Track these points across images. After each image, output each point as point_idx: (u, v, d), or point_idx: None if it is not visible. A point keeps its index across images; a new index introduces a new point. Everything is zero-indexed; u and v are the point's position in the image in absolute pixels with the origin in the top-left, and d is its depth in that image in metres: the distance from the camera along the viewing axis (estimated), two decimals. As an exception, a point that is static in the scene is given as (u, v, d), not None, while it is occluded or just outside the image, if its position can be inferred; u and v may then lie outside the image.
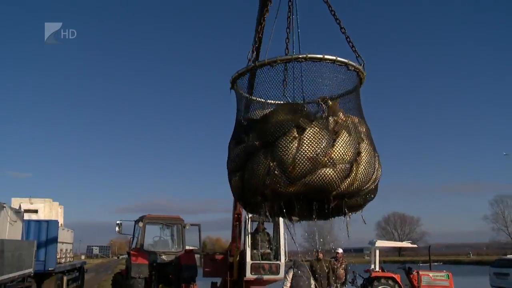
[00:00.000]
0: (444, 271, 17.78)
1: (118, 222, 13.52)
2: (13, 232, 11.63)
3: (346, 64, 4.36)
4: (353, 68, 4.43)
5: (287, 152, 4.00)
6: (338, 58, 4.28)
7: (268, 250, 12.97)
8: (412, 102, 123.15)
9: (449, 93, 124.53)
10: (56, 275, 16.13)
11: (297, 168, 3.91)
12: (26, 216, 15.31)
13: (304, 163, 3.89)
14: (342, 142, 3.99)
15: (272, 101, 4.49)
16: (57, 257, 16.39)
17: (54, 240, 16.01)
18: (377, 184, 4.47)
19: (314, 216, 4.48)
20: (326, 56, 4.25)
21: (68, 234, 20.27)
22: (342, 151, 3.94)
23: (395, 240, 70.59)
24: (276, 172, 4.02)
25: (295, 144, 3.98)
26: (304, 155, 3.90)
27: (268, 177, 4.08)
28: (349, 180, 3.97)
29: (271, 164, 4.05)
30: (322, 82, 4.32)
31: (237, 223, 13.47)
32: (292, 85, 4.34)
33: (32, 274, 12.88)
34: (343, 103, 4.43)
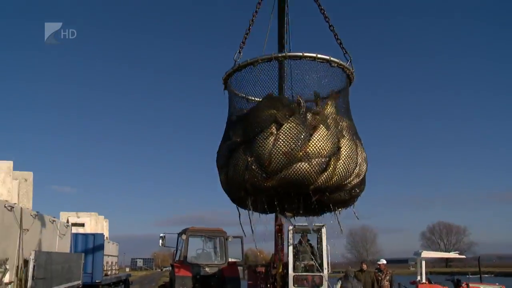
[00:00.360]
0: (497, 284, 16.94)
1: (161, 235, 13.66)
2: (62, 245, 11.98)
3: (328, 61, 4.42)
4: (336, 65, 4.46)
5: (264, 147, 4.06)
6: (319, 55, 4.36)
7: (312, 262, 12.78)
8: (455, 112, 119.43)
9: (495, 100, 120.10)
10: (102, 287, 16.46)
11: (273, 163, 3.97)
12: (74, 230, 15.76)
13: (280, 158, 3.94)
14: (319, 136, 4.01)
15: (258, 98, 4.57)
16: (104, 269, 16.75)
17: (101, 253, 16.39)
18: (363, 180, 4.45)
19: (300, 211, 4.54)
20: (306, 54, 4.35)
21: (113, 247, 20.72)
22: (318, 145, 3.97)
23: (441, 251, 68.05)
24: (253, 167, 4.11)
25: (272, 139, 4.04)
26: (279, 150, 3.96)
27: (247, 171, 4.16)
28: (326, 174, 3.98)
29: (249, 159, 4.14)
30: (309, 80, 4.41)
31: (279, 234, 13.36)
32: (279, 82, 4.48)
33: (80, 286, 13.20)
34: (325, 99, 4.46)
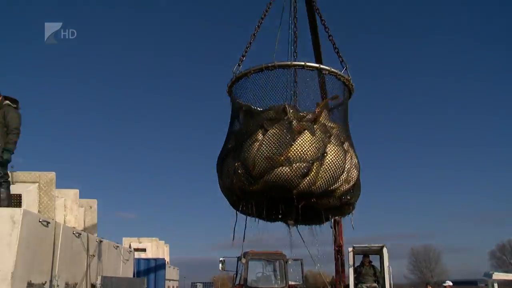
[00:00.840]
0: None
1: (221, 259, 13.72)
2: (126, 270, 12.28)
3: (317, 69, 4.56)
4: (327, 72, 4.58)
5: (249, 152, 4.23)
6: (307, 63, 4.50)
7: (375, 284, 12.40)
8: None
9: None
10: (165, 312, 16.67)
11: (257, 167, 4.12)
12: (136, 255, 16.16)
13: (262, 162, 4.09)
14: (301, 141, 4.08)
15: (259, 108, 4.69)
16: (165, 294, 16.98)
17: (162, 277, 16.68)
18: (354, 186, 4.46)
19: (299, 219, 4.62)
20: (294, 62, 4.58)
21: (174, 272, 21.01)
22: (300, 150, 4.04)
23: (514, 272, 63.47)
24: (239, 171, 4.29)
25: (257, 145, 4.21)
26: (262, 155, 4.11)
27: (235, 176, 4.35)
28: (308, 178, 4.01)
29: (236, 164, 4.33)
30: (308, 89, 4.57)
31: (339, 256, 13.09)
32: (279, 91, 4.58)
33: (143, 310, 13.42)
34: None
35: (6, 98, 7.03)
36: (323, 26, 5.35)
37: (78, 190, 9.87)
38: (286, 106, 4.38)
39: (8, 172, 7.83)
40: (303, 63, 4.55)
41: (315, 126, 4.29)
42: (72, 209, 9.57)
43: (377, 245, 12.87)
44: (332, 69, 4.67)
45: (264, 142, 4.20)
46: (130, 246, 17.13)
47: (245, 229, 4.90)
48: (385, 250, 12.71)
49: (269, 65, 4.54)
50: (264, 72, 4.58)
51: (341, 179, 4.27)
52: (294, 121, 4.25)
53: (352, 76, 4.93)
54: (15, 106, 7.09)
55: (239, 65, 4.98)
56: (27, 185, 8.27)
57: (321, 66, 4.62)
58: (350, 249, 12.82)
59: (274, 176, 4.05)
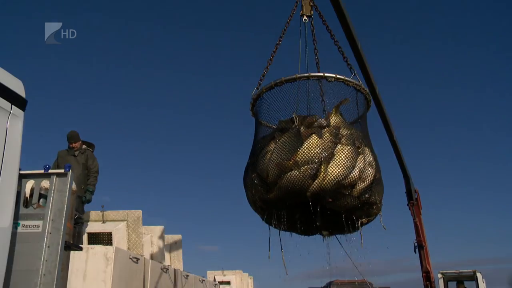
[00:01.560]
0: None
1: (307, 289, 13.46)
2: (213, 303, 12.39)
3: (322, 77, 4.71)
4: (333, 79, 4.70)
5: (263, 163, 4.47)
6: (311, 74, 4.70)
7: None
8: None
9: None
10: None
11: (270, 175, 4.34)
12: (221, 288, 16.26)
13: (274, 169, 4.29)
14: (308, 145, 4.23)
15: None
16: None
17: (248, 310, 16.58)
18: (372, 184, 4.45)
19: (330, 229, 4.79)
20: (298, 75, 4.72)
21: (260, 304, 20.83)
22: (307, 153, 4.19)
23: None
24: (256, 181, 4.55)
25: (269, 155, 4.44)
26: (273, 162, 4.33)
27: (253, 187, 4.60)
28: (320, 178, 4.11)
29: (253, 176, 4.59)
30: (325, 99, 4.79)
31: (428, 283, 12.33)
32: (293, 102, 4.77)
33: None
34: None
35: (84, 142, 7.67)
36: (329, 34, 5.44)
37: (163, 227, 10.21)
38: (294, 116, 4.57)
39: (100, 212, 8.31)
40: (307, 75, 4.75)
41: (324, 130, 4.43)
42: (158, 245, 9.89)
43: (468, 270, 12.05)
44: (338, 76, 4.83)
45: (274, 150, 4.43)
46: (214, 279, 17.32)
47: (281, 245, 4.96)
48: (479, 276, 11.83)
49: (277, 81, 4.81)
50: (276, 89, 4.84)
51: (352, 176, 4.28)
52: (302, 128, 4.44)
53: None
54: (91, 149, 7.76)
55: (257, 89, 5.13)
56: (116, 223, 8.70)
57: (325, 74, 4.79)
58: (440, 275, 12.09)
59: (286, 180, 4.23)
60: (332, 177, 4.18)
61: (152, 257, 9.38)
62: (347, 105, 4.83)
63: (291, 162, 4.21)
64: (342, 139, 4.41)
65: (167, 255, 10.41)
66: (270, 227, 4.96)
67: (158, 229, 10.07)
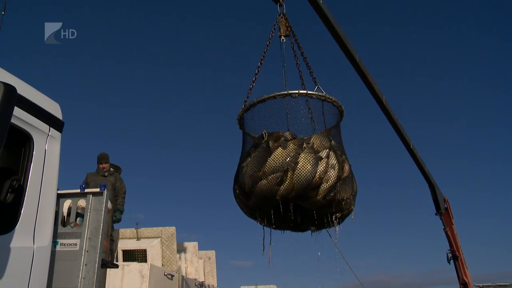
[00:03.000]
0: None
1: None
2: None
3: (287, 95, 5.22)
4: (297, 95, 5.22)
5: (242, 175, 5.16)
6: (277, 93, 5.22)
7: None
8: None
9: None
10: None
11: (246, 185, 5.01)
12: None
13: (248, 180, 4.99)
14: (273, 157, 4.89)
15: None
16: None
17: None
18: (335, 184, 4.96)
19: (315, 224, 5.32)
20: (266, 96, 5.25)
21: (295, 320, 20.56)
22: (273, 164, 4.84)
23: None
24: (237, 191, 5.28)
25: (245, 168, 5.14)
26: (247, 174, 5.03)
27: (237, 197, 5.34)
28: (286, 184, 4.75)
29: (235, 187, 5.32)
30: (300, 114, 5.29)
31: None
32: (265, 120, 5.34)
33: None
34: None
35: (111, 165, 7.94)
36: (297, 46, 5.99)
37: (197, 243, 10.29)
38: (264, 132, 5.20)
39: (134, 229, 8.46)
40: (273, 94, 5.25)
41: (289, 142, 5.06)
42: (192, 261, 9.97)
43: (507, 283, 11.59)
44: (300, 91, 5.30)
45: (248, 163, 5.13)
46: (249, 295, 17.24)
47: (270, 241, 5.53)
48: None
49: (250, 103, 5.42)
50: (253, 108, 5.42)
51: (315, 180, 4.83)
52: (271, 142, 5.08)
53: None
54: (119, 172, 8.03)
55: (243, 106, 5.61)
56: (150, 240, 8.83)
57: (289, 92, 5.26)
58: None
59: (258, 189, 4.88)
60: (296, 182, 4.78)
61: (186, 273, 9.45)
62: (316, 116, 5.43)
63: (260, 173, 4.91)
64: (306, 148, 5.04)
65: (201, 271, 10.46)
66: (265, 227, 5.54)
67: (192, 245, 10.15)
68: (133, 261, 8.01)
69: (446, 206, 11.94)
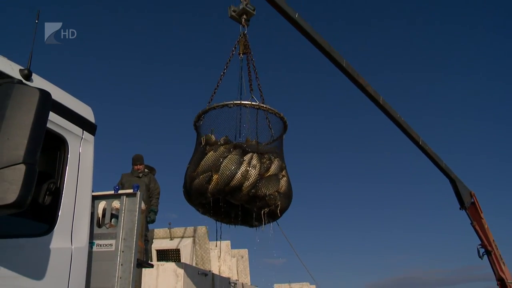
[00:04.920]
0: None
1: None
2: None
3: (224, 105, 6.04)
4: (232, 105, 6.00)
5: (185, 175, 6.04)
6: (221, 103, 6.03)
7: None
8: None
9: None
10: None
11: (187, 184, 5.90)
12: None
13: (188, 180, 5.88)
14: (205, 160, 5.72)
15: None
16: None
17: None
18: (255, 182, 5.61)
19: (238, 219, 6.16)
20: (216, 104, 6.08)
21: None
22: (203, 165, 5.70)
23: None
24: (183, 189, 6.10)
25: (187, 170, 6.05)
26: (187, 174, 5.95)
27: (184, 194, 6.14)
28: (213, 183, 5.55)
29: (183, 186, 6.13)
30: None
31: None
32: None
33: None
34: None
35: (145, 166, 8.06)
36: (252, 65, 6.66)
37: (229, 242, 10.36)
38: (202, 138, 6.02)
39: (167, 229, 8.59)
40: (224, 103, 6.02)
41: (221, 146, 5.82)
42: (225, 260, 10.05)
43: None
44: (236, 102, 6.04)
45: (189, 166, 5.99)
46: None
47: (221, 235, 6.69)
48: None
49: (204, 110, 6.15)
50: (206, 114, 6.18)
51: (237, 177, 5.53)
52: (207, 147, 5.88)
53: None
54: (153, 173, 8.14)
55: (209, 102, 6.38)
56: (183, 240, 8.95)
57: (225, 102, 6.06)
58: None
59: (193, 187, 5.74)
60: (223, 181, 5.53)
61: (219, 272, 9.53)
62: (261, 126, 6.16)
63: (195, 173, 5.76)
64: (233, 152, 5.73)
65: (234, 269, 10.54)
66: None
67: (224, 244, 10.23)
68: (167, 260, 8.15)
69: (473, 200, 11.73)
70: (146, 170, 8.06)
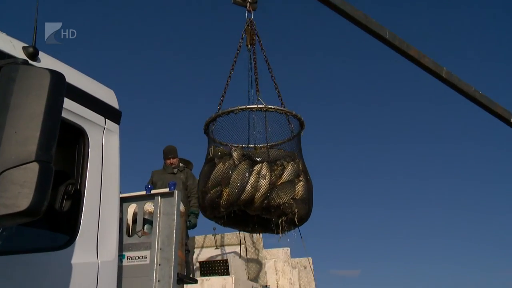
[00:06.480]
0: None
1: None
2: None
3: (230, 112, 6.39)
4: (239, 110, 6.36)
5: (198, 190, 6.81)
6: (239, 107, 6.35)
7: None
8: None
9: None
10: None
11: (200, 198, 6.51)
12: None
13: (200, 194, 6.45)
14: (214, 173, 6.18)
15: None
16: None
17: None
18: (267, 192, 6.03)
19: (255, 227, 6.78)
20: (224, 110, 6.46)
21: None
22: (213, 179, 6.16)
23: None
24: (198, 203, 7.09)
25: (199, 183, 6.73)
26: (199, 189, 6.51)
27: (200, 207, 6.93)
28: (224, 196, 6.01)
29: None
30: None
31: None
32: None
33: None
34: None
35: (180, 160, 8.06)
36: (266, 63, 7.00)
37: (288, 249, 10.28)
38: (209, 149, 6.49)
39: (212, 235, 8.66)
40: (229, 110, 6.34)
41: (230, 158, 6.23)
42: (284, 271, 9.99)
43: None
44: (248, 107, 6.42)
45: (200, 180, 6.56)
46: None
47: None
48: None
49: (211, 118, 6.53)
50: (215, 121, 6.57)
51: (247, 190, 5.98)
52: (216, 159, 6.30)
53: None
54: (189, 167, 8.14)
55: (219, 105, 6.81)
56: (232, 248, 8.97)
57: (239, 107, 6.36)
58: None
59: (206, 202, 6.24)
60: (232, 193, 5.98)
61: (278, 286, 9.51)
62: (273, 128, 6.60)
63: (205, 188, 6.24)
64: (242, 163, 6.16)
65: (296, 282, 10.46)
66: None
67: (283, 252, 10.17)
68: (212, 274, 8.20)
69: None
70: (181, 164, 8.09)
